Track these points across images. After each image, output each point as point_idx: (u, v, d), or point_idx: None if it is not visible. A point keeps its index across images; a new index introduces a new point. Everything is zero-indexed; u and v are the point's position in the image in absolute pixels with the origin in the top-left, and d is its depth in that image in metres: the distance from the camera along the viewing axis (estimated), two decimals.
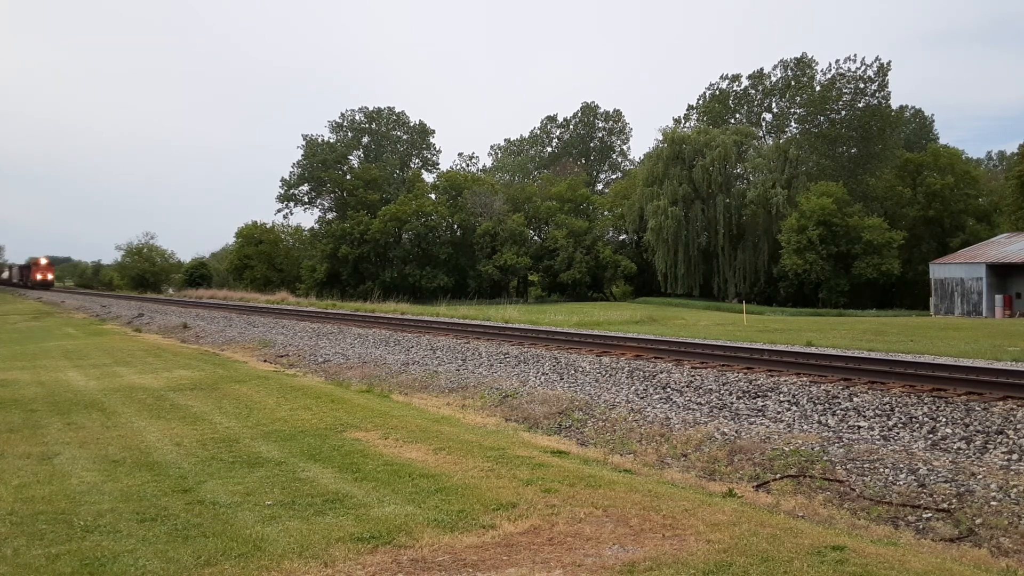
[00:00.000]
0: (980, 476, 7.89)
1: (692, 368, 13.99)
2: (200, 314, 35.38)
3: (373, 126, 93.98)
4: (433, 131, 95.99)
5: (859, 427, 10.05)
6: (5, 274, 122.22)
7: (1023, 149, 61.90)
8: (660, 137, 75.60)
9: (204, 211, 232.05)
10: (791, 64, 77.73)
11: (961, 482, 7.81)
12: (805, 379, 12.30)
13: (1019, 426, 9.13)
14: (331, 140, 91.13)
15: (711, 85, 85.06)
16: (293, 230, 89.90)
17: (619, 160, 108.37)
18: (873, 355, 15.29)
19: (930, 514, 7.38)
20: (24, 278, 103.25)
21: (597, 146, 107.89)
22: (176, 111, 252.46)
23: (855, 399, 10.96)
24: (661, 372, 13.89)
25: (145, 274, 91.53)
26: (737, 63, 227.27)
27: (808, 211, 60.16)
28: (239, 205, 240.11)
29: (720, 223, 69.21)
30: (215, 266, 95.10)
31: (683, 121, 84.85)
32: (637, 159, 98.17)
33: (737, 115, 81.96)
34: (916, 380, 11.46)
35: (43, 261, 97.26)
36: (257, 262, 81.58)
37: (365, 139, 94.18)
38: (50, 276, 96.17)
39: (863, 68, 72.33)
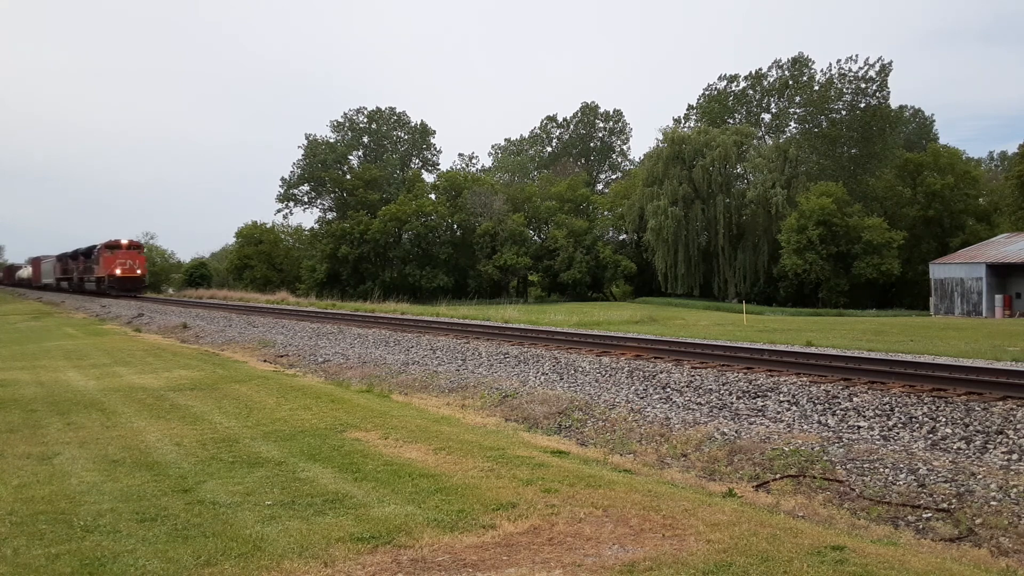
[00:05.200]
0: (980, 476, 7.89)
1: (692, 368, 13.99)
2: (200, 314, 35.38)
3: (374, 126, 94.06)
4: (434, 131, 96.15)
5: (859, 427, 10.05)
6: (25, 272, 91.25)
7: (1023, 149, 61.93)
8: (660, 137, 75.79)
9: (204, 211, 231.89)
10: (787, 65, 77.83)
11: (961, 482, 7.81)
12: (805, 379, 12.29)
13: (1019, 426, 9.13)
14: (331, 140, 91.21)
15: (709, 86, 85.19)
16: (293, 230, 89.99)
17: (619, 160, 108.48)
18: (873, 355, 15.29)
19: (930, 514, 7.38)
20: (78, 275, 63.17)
21: (597, 146, 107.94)
22: (176, 110, 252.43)
23: (855, 399, 10.96)
24: (661, 372, 13.89)
25: None
26: (737, 63, 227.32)
27: (808, 211, 60.20)
28: (239, 205, 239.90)
29: (720, 223, 69.26)
30: (215, 266, 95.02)
31: (683, 121, 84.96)
32: (637, 159, 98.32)
33: (736, 115, 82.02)
34: (916, 380, 11.45)
35: (124, 242, 56.16)
36: (257, 262, 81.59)
37: (365, 139, 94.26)
38: (139, 271, 55.98)
39: (864, 68, 72.41)
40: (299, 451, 9.05)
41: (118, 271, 54.21)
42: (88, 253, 60.65)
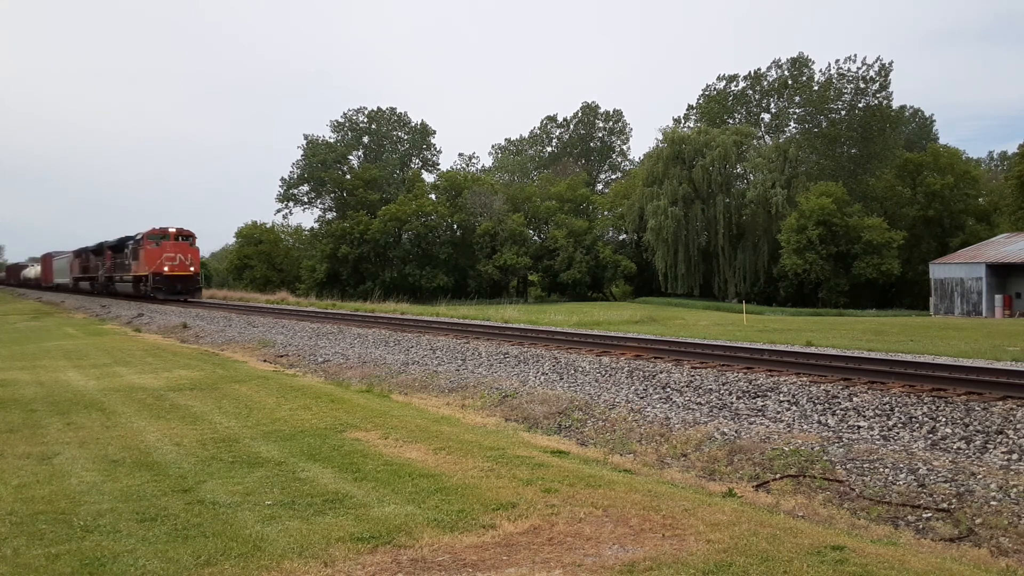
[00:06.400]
0: (980, 476, 7.89)
1: (692, 368, 13.99)
2: (200, 314, 35.36)
3: (374, 126, 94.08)
4: (434, 132, 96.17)
5: (859, 427, 10.05)
6: (32, 271, 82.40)
7: (1023, 149, 61.95)
8: (660, 137, 75.89)
9: (204, 211, 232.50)
10: (787, 64, 77.85)
11: (961, 482, 7.81)
12: (805, 379, 12.29)
13: (1019, 426, 9.13)
14: (331, 140, 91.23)
15: (708, 86, 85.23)
16: (293, 230, 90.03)
17: (619, 160, 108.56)
18: (873, 355, 15.29)
19: (930, 514, 7.38)
20: (105, 273, 51.66)
21: (597, 146, 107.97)
22: (176, 111, 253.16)
23: (855, 399, 10.95)
24: (661, 372, 13.88)
25: None
26: (737, 63, 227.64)
27: (808, 211, 60.22)
28: (239, 205, 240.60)
29: (720, 223, 69.29)
30: (215, 266, 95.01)
31: (683, 121, 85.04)
32: (637, 159, 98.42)
33: (736, 115, 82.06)
34: (916, 380, 11.45)
35: (172, 230, 43.83)
36: (257, 262, 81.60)
37: (365, 139, 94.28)
38: (192, 268, 44.33)
39: (864, 68, 72.43)
40: (299, 451, 9.05)
41: (166, 268, 42.68)
42: (119, 246, 48.61)
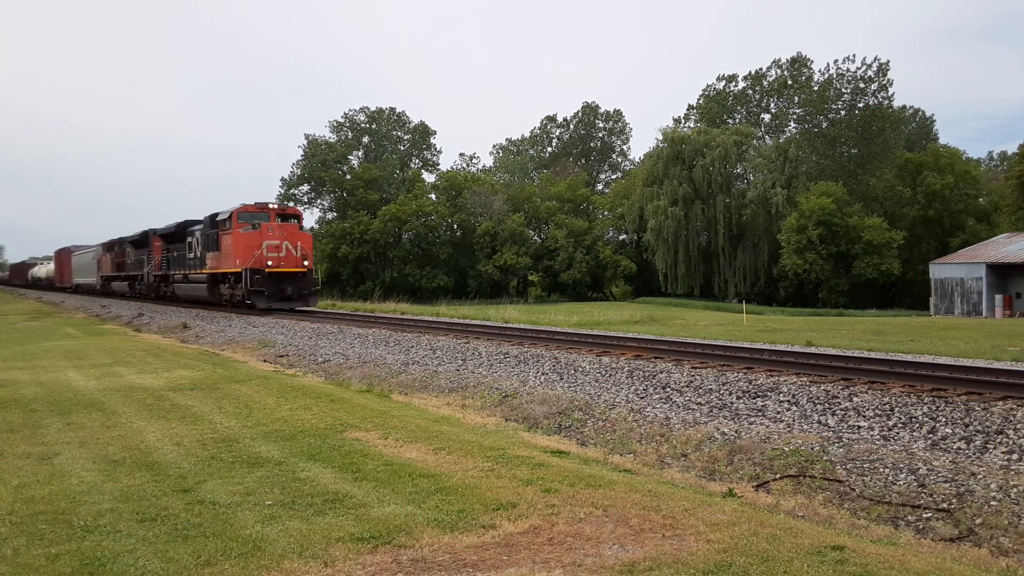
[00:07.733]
0: (980, 476, 7.89)
1: (692, 368, 13.98)
2: (200, 314, 35.34)
3: (374, 126, 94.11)
4: (434, 132, 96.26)
5: (859, 427, 10.05)
6: (43, 270, 71.77)
7: (1023, 149, 61.96)
8: (660, 137, 75.89)
9: (204, 211, 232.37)
10: (786, 64, 77.88)
11: (961, 482, 7.81)
12: (805, 379, 12.28)
13: (1019, 426, 9.13)
14: (331, 140, 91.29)
15: (708, 86, 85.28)
16: None
17: (619, 160, 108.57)
18: (873, 355, 15.28)
19: (930, 514, 7.38)
20: (156, 272, 40.15)
21: (597, 146, 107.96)
22: (176, 110, 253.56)
23: (855, 399, 10.95)
24: (661, 372, 13.88)
25: None
26: (737, 63, 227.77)
27: (808, 211, 60.26)
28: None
29: (720, 223, 69.32)
30: None
31: (683, 121, 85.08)
32: (637, 159, 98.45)
33: (736, 115, 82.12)
34: (916, 380, 11.45)
35: (273, 205, 31.50)
36: None
37: (365, 139, 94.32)
38: (307, 262, 30.71)
39: (863, 68, 72.46)
40: (299, 451, 9.05)
41: (269, 262, 29.74)
42: (178, 234, 37.09)
